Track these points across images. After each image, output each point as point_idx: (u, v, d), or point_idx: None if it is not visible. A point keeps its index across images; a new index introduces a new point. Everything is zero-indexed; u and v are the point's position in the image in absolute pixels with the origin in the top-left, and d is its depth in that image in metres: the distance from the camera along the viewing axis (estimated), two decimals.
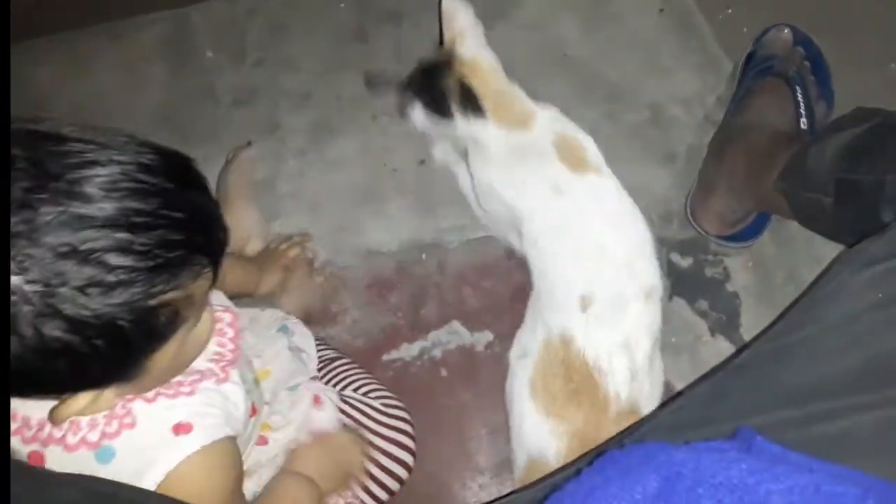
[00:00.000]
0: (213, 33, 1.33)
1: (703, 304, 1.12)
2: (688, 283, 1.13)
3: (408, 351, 1.12)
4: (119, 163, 0.49)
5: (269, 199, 1.21)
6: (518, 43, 1.29)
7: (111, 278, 0.47)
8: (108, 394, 0.55)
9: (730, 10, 1.31)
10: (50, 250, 0.46)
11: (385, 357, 1.11)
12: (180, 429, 0.60)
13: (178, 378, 0.62)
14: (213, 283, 0.55)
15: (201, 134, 1.25)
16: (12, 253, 0.45)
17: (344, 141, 1.24)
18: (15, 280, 0.45)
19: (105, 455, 0.58)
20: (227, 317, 0.70)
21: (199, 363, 0.64)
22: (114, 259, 0.47)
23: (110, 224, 0.47)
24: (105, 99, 1.28)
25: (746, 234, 1.12)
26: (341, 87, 1.28)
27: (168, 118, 1.26)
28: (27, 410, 0.58)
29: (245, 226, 1.16)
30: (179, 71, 1.30)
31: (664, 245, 1.15)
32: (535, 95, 1.24)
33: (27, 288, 0.46)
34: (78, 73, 1.30)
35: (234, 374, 0.67)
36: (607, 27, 1.30)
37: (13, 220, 0.45)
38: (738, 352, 0.82)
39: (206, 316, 0.59)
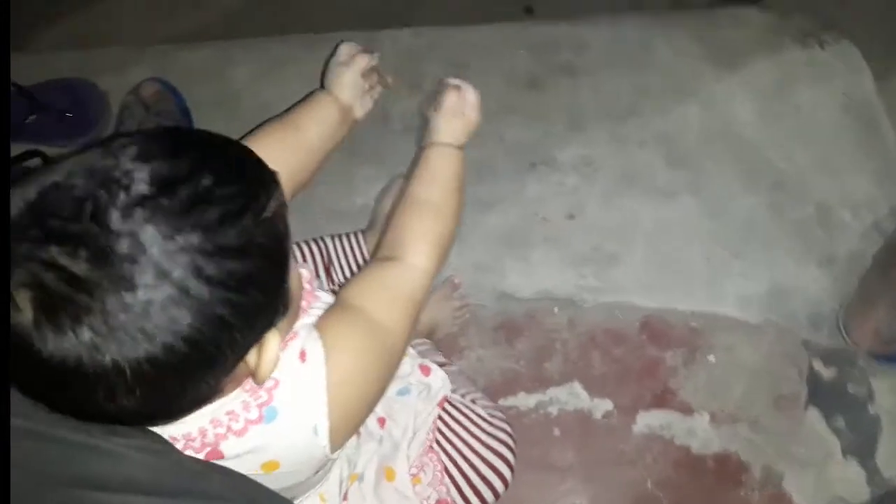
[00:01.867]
0: (395, 60, 1.39)
1: (840, 421, 1.06)
2: (827, 395, 1.08)
3: (524, 401, 1.12)
4: (150, 145, 0.51)
5: None
6: (693, 117, 1.28)
7: (233, 206, 0.50)
8: (278, 335, 0.58)
9: None
10: (175, 210, 0.48)
11: (501, 401, 1.12)
12: (302, 355, 0.63)
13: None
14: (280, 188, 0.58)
15: (368, 153, 1.31)
16: (151, 224, 0.47)
17: (500, 182, 1.27)
18: (175, 241, 0.48)
19: (270, 416, 0.61)
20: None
21: None
22: (221, 191, 0.50)
23: (194, 172, 0.50)
24: (289, 104, 1.36)
25: None
26: (506, 130, 1.31)
27: None
28: (180, 429, 0.60)
29: None
30: None
31: (808, 350, 1.11)
32: (700, 171, 1.24)
33: (188, 242, 0.48)
34: (271, 75, 1.40)
35: (319, 292, 0.70)
36: (786, 116, 1.27)
37: (121, 208, 0.47)
38: None
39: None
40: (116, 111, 1.32)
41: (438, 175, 0.85)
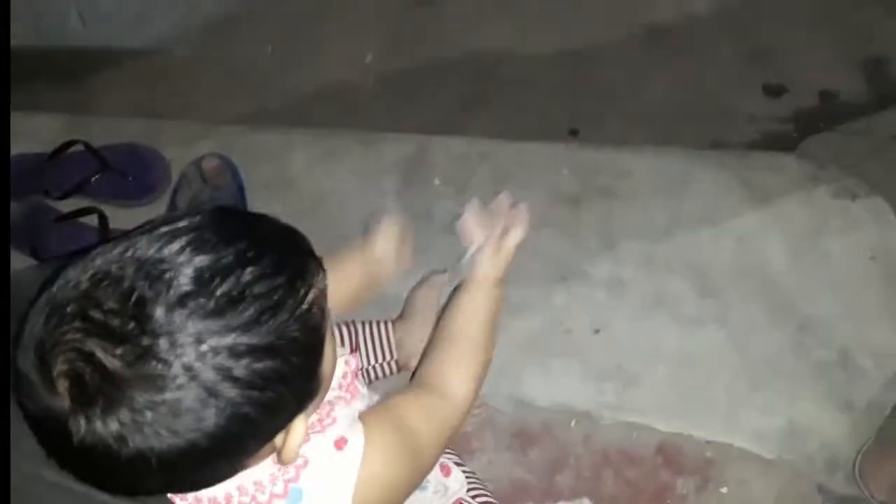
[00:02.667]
0: (446, 164, 1.47)
1: None
2: None
3: None
4: (194, 230, 0.52)
5: None
6: (726, 250, 1.32)
7: (269, 303, 0.52)
8: (305, 419, 0.59)
9: None
10: (209, 310, 0.50)
11: None
12: (340, 443, 0.65)
13: (317, 417, 0.66)
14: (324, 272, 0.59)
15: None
16: (185, 329, 0.49)
17: (530, 290, 1.31)
18: (207, 343, 0.49)
19: (295, 496, 0.63)
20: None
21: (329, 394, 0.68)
22: (258, 289, 0.51)
23: (233, 267, 0.51)
24: (340, 195, 1.43)
25: None
26: (541, 243, 1.36)
27: None
28: (206, 493, 0.61)
29: (416, 343, 1.23)
30: (408, 188, 1.44)
31: (822, 493, 1.10)
32: (728, 304, 1.26)
33: (220, 343, 0.50)
34: (324, 166, 1.47)
35: (359, 385, 0.72)
36: (815, 261, 1.31)
37: (163, 307, 0.49)
38: None
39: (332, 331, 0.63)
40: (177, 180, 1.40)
41: (480, 311, 0.91)
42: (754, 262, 1.31)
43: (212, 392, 0.49)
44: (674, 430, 1.16)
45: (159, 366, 0.48)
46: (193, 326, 0.49)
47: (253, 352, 0.51)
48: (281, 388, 0.53)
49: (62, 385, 0.49)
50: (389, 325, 1.19)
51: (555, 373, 1.23)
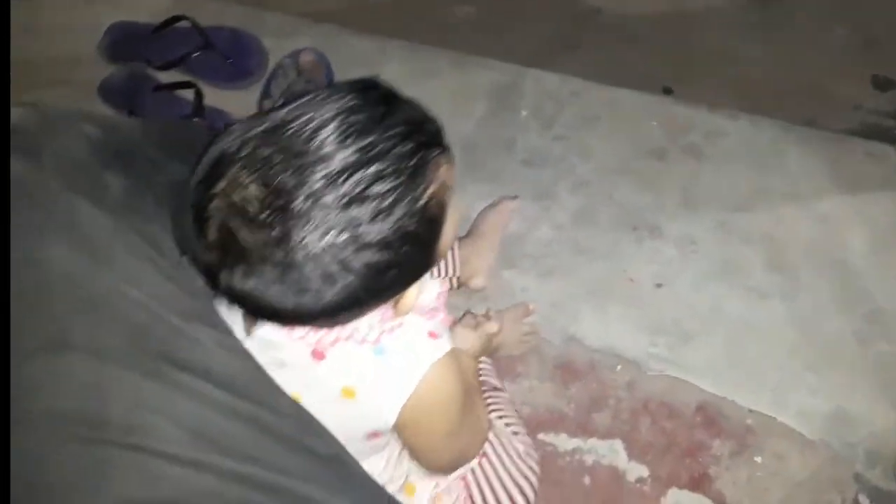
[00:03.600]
0: (536, 98, 1.46)
1: None
2: None
3: (564, 443, 1.14)
4: (333, 118, 0.58)
5: (512, 251, 1.29)
6: (804, 229, 1.30)
7: (386, 203, 0.58)
8: (419, 286, 0.67)
9: None
10: (334, 207, 0.56)
11: (541, 436, 1.14)
12: (433, 335, 0.71)
13: (433, 306, 0.75)
14: (452, 162, 0.65)
15: (485, 174, 1.37)
16: (312, 222, 0.56)
17: (598, 234, 1.30)
18: (327, 238, 0.57)
19: (378, 351, 0.69)
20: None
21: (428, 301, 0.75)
22: (378, 188, 0.57)
23: (358, 165, 0.57)
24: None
25: None
26: (617, 190, 1.35)
27: (467, 148, 1.39)
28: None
29: (479, 263, 1.25)
30: (495, 116, 1.44)
31: (858, 483, 1.09)
32: (797, 282, 1.24)
33: (338, 240, 0.57)
34: (416, 82, 1.48)
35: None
36: (895, 255, 1.27)
37: (298, 201, 0.56)
38: None
39: (456, 206, 0.68)
40: (271, 69, 1.42)
41: None
42: (832, 245, 1.28)
43: (330, 277, 0.58)
44: (718, 392, 1.15)
45: (286, 250, 0.56)
46: (320, 218, 0.56)
47: (369, 245, 0.58)
48: (393, 272, 0.61)
49: (212, 248, 0.59)
50: (456, 243, 1.21)
51: (610, 317, 1.23)
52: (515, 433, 1.02)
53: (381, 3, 1.78)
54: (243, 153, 0.58)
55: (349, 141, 0.57)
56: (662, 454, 1.11)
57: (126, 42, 1.45)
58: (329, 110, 0.59)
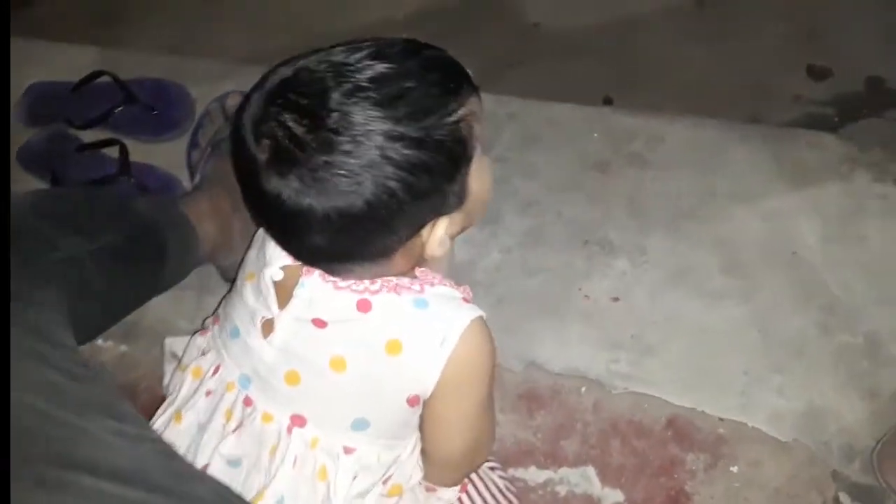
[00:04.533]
0: None
1: None
2: None
3: (534, 476, 1.09)
4: (381, 44, 0.68)
5: (462, 281, 1.24)
6: (755, 227, 1.28)
7: (419, 107, 0.65)
8: (450, 227, 0.73)
9: None
10: (372, 102, 0.64)
11: (511, 471, 1.09)
12: (466, 300, 0.79)
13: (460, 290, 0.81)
14: (480, 101, 0.73)
15: None
16: (352, 114, 0.64)
17: (549, 253, 1.27)
18: (368, 126, 0.63)
19: (421, 303, 0.74)
20: None
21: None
22: (413, 94, 0.65)
23: (395, 77, 0.65)
24: None
25: None
26: (564, 206, 1.32)
27: None
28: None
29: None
30: None
31: (836, 481, 1.06)
32: (753, 282, 1.22)
33: (377, 127, 0.64)
34: None
35: None
36: (849, 244, 1.26)
37: (337, 95, 0.64)
38: None
39: (485, 161, 0.76)
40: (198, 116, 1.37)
41: None
42: (784, 240, 1.27)
43: (370, 164, 0.64)
44: (687, 404, 1.12)
45: (332, 135, 0.63)
46: (361, 111, 0.63)
47: (404, 139, 0.64)
48: (425, 177, 0.66)
49: (264, 143, 0.65)
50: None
51: (569, 338, 1.20)
52: (493, 468, 0.99)
53: (318, 40, 1.75)
54: (298, 69, 0.67)
55: (389, 61, 0.66)
56: (636, 476, 1.08)
57: (44, 103, 1.39)
58: (376, 45, 0.68)
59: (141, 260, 0.94)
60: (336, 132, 0.63)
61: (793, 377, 1.14)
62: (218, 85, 1.43)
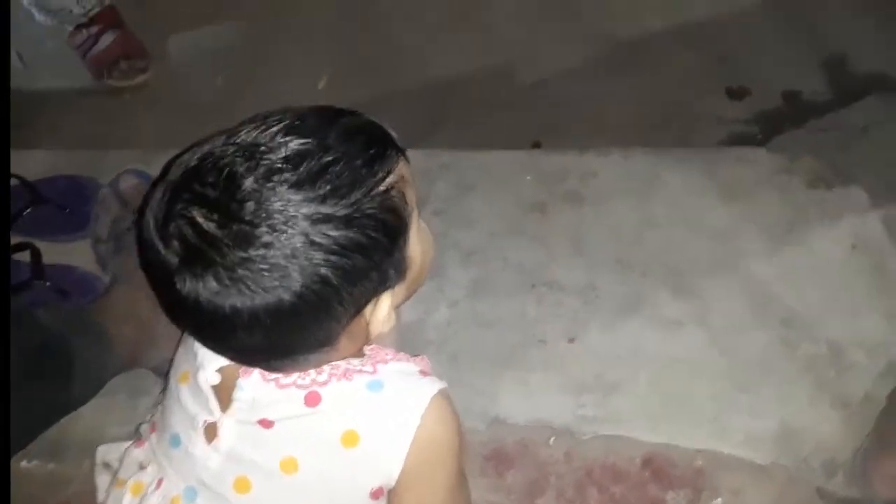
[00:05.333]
0: None
1: None
2: None
3: None
4: (285, 119, 0.63)
5: (413, 342, 1.20)
6: (700, 249, 1.26)
7: (343, 182, 0.60)
8: (392, 298, 0.67)
9: None
10: (291, 186, 0.58)
11: None
12: (424, 373, 0.73)
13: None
14: (408, 162, 0.68)
15: None
16: (269, 201, 0.58)
17: (499, 302, 1.23)
18: (287, 211, 0.58)
19: (376, 385, 0.68)
20: None
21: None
22: (334, 169, 0.59)
23: (314, 152, 0.60)
24: None
25: None
26: (509, 252, 1.29)
27: None
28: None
29: None
30: None
31: (822, 498, 1.02)
32: (707, 303, 1.20)
33: (299, 212, 0.58)
34: None
35: None
36: (794, 253, 1.25)
37: (249, 181, 0.58)
38: None
39: (422, 224, 0.72)
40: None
41: None
42: (731, 258, 1.25)
43: (295, 253, 0.58)
44: (660, 440, 1.08)
45: (247, 228, 0.57)
46: (279, 196, 0.58)
47: (331, 220, 0.59)
48: (358, 256, 0.61)
49: (173, 245, 0.59)
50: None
51: (530, 387, 1.14)
52: None
53: (238, 113, 1.72)
54: (203, 157, 0.61)
55: (304, 135, 0.60)
56: None
57: None
58: (284, 120, 0.62)
59: (42, 377, 0.87)
60: (252, 224, 0.57)
61: (762, 396, 1.11)
62: None
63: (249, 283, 0.58)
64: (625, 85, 1.81)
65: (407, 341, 1.18)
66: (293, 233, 0.57)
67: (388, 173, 0.63)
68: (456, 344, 1.20)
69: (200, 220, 0.58)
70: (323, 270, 0.59)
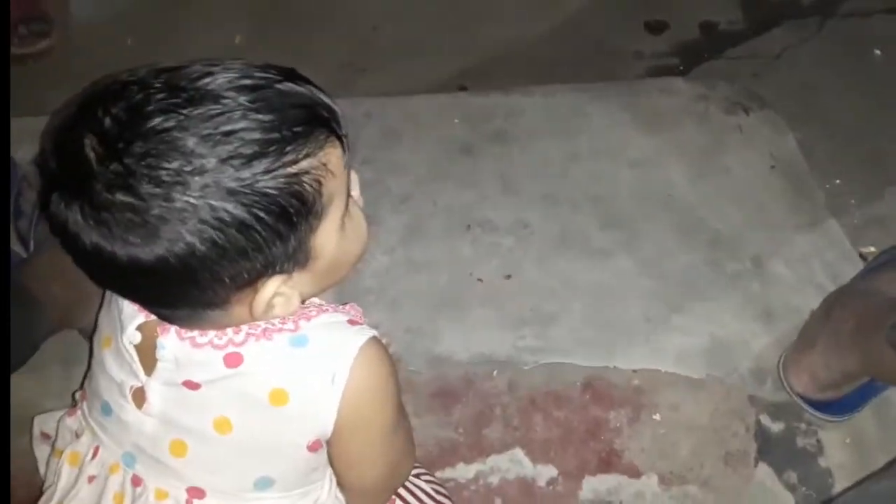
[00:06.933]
0: None
1: (792, 477, 1.02)
2: (777, 450, 1.04)
3: (463, 472, 1.05)
4: (233, 69, 0.56)
5: (352, 291, 1.19)
6: (625, 179, 1.30)
7: (248, 150, 0.53)
8: (291, 287, 0.61)
9: (838, 181, 1.30)
10: (193, 137, 0.52)
11: (438, 473, 1.04)
12: (353, 322, 0.67)
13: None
14: (345, 153, 0.61)
15: None
16: (166, 149, 0.53)
17: (433, 245, 1.24)
18: (175, 164, 0.52)
19: (299, 341, 0.64)
20: None
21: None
22: (246, 135, 0.53)
23: (234, 109, 0.54)
24: None
25: (838, 407, 1.03)
26: (439, 195, 1.30)
27: None
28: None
29: None
30: None
31: (754, 405, 1.07)
32: (634, 231, 1.23)
33: (186, 168, 0.53)
34: None
35: None
36: (715, 177, 1.29)
37: (159, 120, 0.53)
38: None
39: (358, 211, 0.67)
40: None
41: None
42: (655, 186, 1.29)
43: (165, 214, 0.53)
44: (598, 363, 1.11)
45: (124, 171, 0.52)
46: (173, 146, 0.52)
47: (217, 187, 0.53)
48: (234, 233, 0.55)
49: (55, 164, 0.56)
50: None
51: (470, 325, 1.16)
52: (419, 475, 0.93)
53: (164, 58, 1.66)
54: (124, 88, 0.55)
55: (232, 90, 0.54)
56: (564, 446, 1.05)
57: None
58: (232, 66, 0.56)
59: None
60: (129, 170, 0.52)
61: (692, 314, 1.15)
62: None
63: (113, 228, 0.54)
64: (546, 24, 1.81)
65: (346, 291, 1.19)
66: (172, 193, 0.52)
67: (306, 157, 0.56)
68: (395, 290, 1.20)
69: (87, 149, 0.53)
70: (190, 238, 0.54)
